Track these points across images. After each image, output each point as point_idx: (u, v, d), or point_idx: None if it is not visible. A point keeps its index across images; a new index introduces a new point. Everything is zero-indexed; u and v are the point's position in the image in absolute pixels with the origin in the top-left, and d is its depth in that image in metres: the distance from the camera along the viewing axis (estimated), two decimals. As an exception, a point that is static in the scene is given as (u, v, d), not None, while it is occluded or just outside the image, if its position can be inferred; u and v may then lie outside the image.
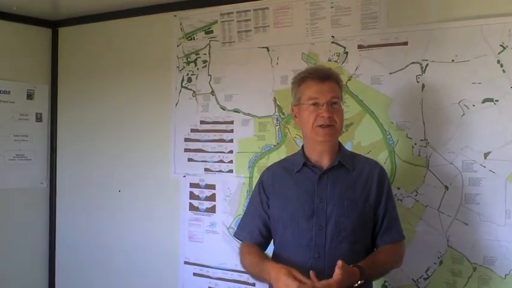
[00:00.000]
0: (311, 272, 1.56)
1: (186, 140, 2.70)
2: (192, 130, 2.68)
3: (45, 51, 3.22)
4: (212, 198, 2.61)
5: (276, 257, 1.77)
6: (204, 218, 2.64)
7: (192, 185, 2.68)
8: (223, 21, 2.58)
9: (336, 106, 1.71)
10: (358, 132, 2.21)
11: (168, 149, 2.76)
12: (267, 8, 2.45)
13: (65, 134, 3.23)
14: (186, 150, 2.70)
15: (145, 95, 2.86)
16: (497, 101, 1.93)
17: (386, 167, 2.07)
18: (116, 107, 2.99)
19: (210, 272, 2.61)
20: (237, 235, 1.92)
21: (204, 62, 2.64)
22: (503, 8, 1.92)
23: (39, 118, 3.20)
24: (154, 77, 2.82)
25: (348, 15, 2.24)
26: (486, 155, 1.95)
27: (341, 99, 1.75)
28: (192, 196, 2.68)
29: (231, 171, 2.56)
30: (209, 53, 2.63)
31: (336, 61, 2.26)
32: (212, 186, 2.62)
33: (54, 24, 3.21)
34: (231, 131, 2.56)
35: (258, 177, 1.93)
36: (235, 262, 2.50)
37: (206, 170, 2.64)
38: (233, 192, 2.54)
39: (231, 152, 2.56)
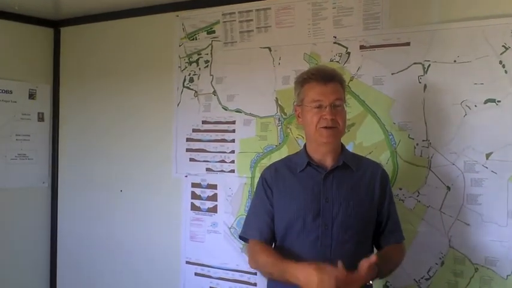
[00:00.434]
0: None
1: (188, 139, 2.70)
2: (194, 130, 2.68)
3: (47, 51, 3.22)
4: (214, 198, 2.61)
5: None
6: (205, 218, 2.64)
7: (194, 185, 2.68)
8: (225, 22, 2.58)
9: (338, 108, 1.71)
10: (360, 132, 2.21)
11: (170, 148, 2.76)
12: (269, 8, 2.45)
13: (67, 133, 3.23)
14: (187, 150, 2.70)
15: (147, 95, 2.86)
16: (499, 101, 1.93)
17: (388, 168, 2.08)
18: (117, 106, 2.99)
19: (212, 272, 2.61)
20: (244, 234, 1.85)
21: (206, 62, 2.65)
22: (505, 8, 1.92)
23: (41, 118, 3.21)
24: (156, 76, 2.82)
25: (350, 15, 2.24)
26: (488, 155, 1.95)
27: (344, 100, 1.75)
28: (194, 196, 2.68)
29: (232, 171, 2.56)
30: (211, 53, 2.63)
31: (337, 61, 2.26)
32: (214, 186, 2.62)
33: (56, 24, 3.22)
34: (233, 131, 2.56)
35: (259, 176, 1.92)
36: (236, 262, 2.51)
37: (208, 170, 2.64)
38: (235, 192, 2.54)
39: (232, 152, 2.56)
